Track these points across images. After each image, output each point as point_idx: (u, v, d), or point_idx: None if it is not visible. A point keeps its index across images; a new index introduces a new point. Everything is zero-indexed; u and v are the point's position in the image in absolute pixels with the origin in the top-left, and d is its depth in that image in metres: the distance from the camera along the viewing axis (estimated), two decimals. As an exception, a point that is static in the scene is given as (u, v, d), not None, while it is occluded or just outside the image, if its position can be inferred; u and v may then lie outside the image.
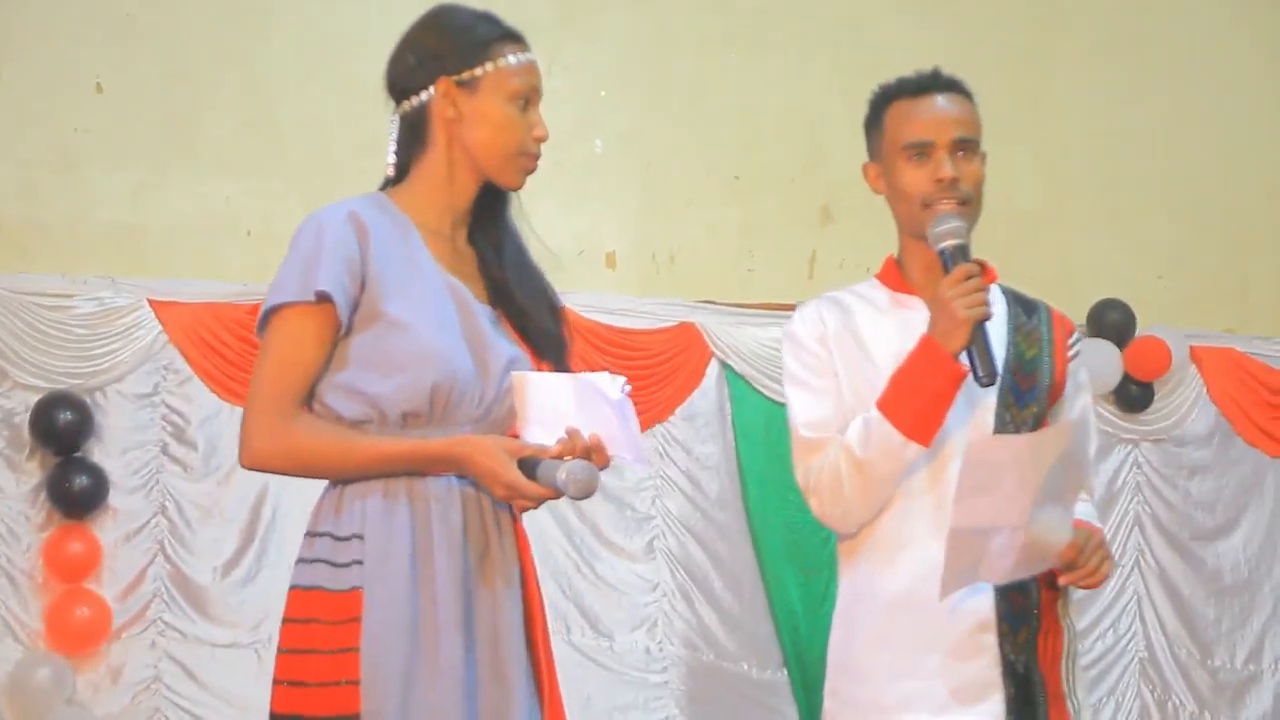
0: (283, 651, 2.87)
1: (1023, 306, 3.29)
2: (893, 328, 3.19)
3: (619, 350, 6.90)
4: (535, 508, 2.87)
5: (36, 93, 6.68)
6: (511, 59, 2.99)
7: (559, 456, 2.80)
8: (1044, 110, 7.63)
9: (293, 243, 2.92)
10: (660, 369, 6.96)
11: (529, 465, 2.81)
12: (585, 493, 2.77)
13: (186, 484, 6.50)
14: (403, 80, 3.01)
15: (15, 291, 6.44)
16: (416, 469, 2.86)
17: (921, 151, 3.17)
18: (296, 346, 2.87)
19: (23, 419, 6.40)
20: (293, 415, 2.86)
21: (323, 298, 2.85)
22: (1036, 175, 7.50)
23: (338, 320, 2.87)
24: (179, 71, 6.79)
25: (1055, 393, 3.23)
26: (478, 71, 2.97)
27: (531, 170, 3.02)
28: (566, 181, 6.99)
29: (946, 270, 3.11)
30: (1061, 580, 3.09)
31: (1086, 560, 3.06)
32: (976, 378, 3.06)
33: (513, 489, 2.80)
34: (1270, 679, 7.49)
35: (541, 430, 2.85)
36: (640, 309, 6.98)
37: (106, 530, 6.45)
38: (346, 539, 2.85)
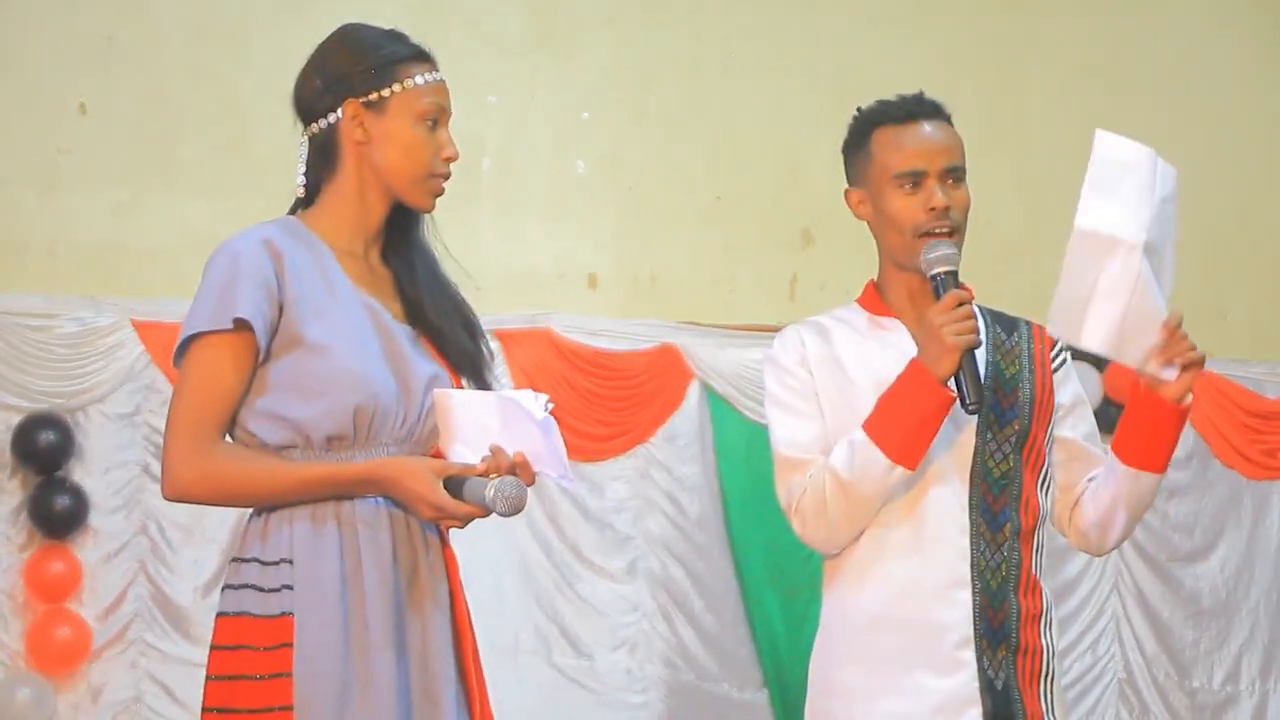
0: (211, 679, 2.85)
1: (1002, 325, 3.30)
2: (872, 350, 3.21)
3: (600, 371, 6.93)
4: (462, 527, 2.85)
5: (18, 113, 6.69)
6: (419, 79, 2.95)
7: (485, 474, 2.78)
8: (1023, 133, 7.66)
9: (207, 271, 2.90)
10: (641, 390, 6.98)
11: (454, 484, 2.79)
12: (514, 509, 2.76)
13: (167, 504, 6.43)
14: (310, 102, 2.99)
15: (-2, 311, 6.47)
16: (342, 492, 2.84)
17: (914, 181, 3.18)
18: (215, 375, 2.84)
19: (4, 439, 6.41)
20: (213, 444, 2.84)
21: (241, 324, 2.83)
22: (1016, 198, 7.52)
23: (256, 347, 2.84)
24: (160, 93, 6.81)
25: (1041, 407, 3.23)
26: (385, 93, 2.94)
27: (440, 192, 2.99)
28: (548, 203, 7.02)
29: (937, 296, 3.12)
30: (1159, 358, 3.04)
31: (1183, 338, 3.03)
32: (964, 404, 3.08)
33: (440, 509, 2.78)
34: (1248, 700, 7.51)
35: (465, 448, 2.84)
36: (622, 330, 7.00)
37: (87, 550, 6.45)
38: (274, 564, 2.84)
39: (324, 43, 3.02)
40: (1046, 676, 3.18)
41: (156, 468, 6.51)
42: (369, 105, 2.94)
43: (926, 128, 3.21)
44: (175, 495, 2.87)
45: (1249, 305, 7.78)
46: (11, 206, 6.66)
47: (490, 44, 7.01)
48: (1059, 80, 7.72)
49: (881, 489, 3.10)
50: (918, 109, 3.23)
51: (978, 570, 3.14)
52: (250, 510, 2.91)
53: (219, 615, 2.87)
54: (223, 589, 2.90)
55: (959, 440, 3.16)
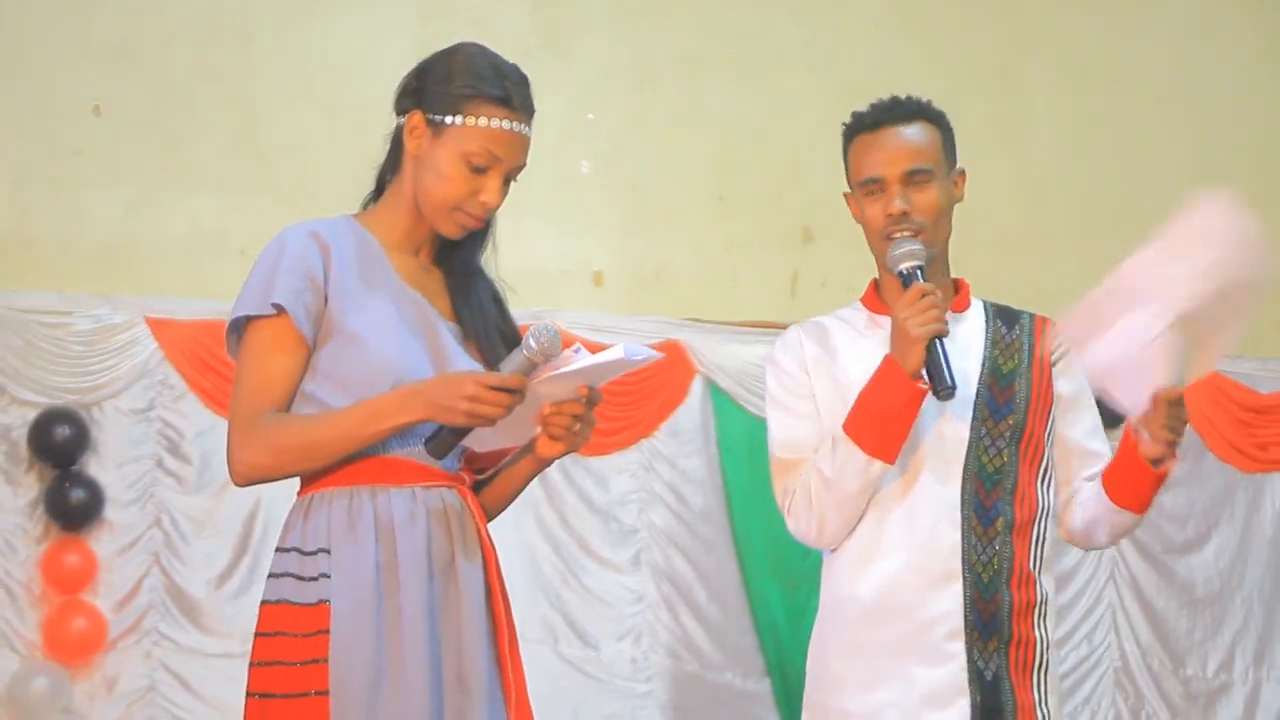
0: (254, 665, 2.90)
1: (1004, 319, 3.32)
2: (869, 348, 3.24)
3: (605, 367, 6.96)
4: (505, 413, 2.82)
5: (32, 113, 6.74)
6: (484, 121, 2.96)
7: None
8: (1019, 132, 7.69)
9: (256, 262, 2.96)
10: (646, 385, 6.99)
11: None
12: (551, 343, 2.78)
13: (181, 497, 6.54)
14: (398, 96, 3.05)
15: (13, 309, 6.51)
16: (389, 425, 2.86)
17: (875, 186, 3.22)
18: (264, 360, 2.91)
19: (21, 434, 6.46)
20: (265, 420, 2.89)
21: (279, 310, 2.89)
22: (1012, 196, 7.55)
23: (299, 332, 2.90)
24: (172, 93, 6.85)
25: (1039, 401, 3.26)
26: (447, 119, 2.95)
27: (470, 226, 3.00)
28: (553, 201, 7.05)
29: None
30: (1140, 420, 3.10)
31: (1162, 417, 3.08)
32: (935, 393, 3.11)
33: (477, 382, 2.78)
34: (1241, 688, 7.56)
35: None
36: (626, 327, 6.99)
37: (103, 543, 6.51)
38: (313, 553, 2.89)
39: (441, 50, 3.06)
40: (1040, 667, 3.21)
41: (170, 462, 6.58)
42: (430, 124, 2.97)
43: (892, 133, 3.22)
44: (243, 479, 2.92)
45: (1243, 301, 7.82)
46: (25, 205, 6.72)
47: (493, 43, 7.02)
48: (1059, 80, 7.75)
49: (863, 484, 3.15)
50: (886, 115, 3.24)
51: (968, 564, 3.17)
52: (293, 499, 2.98)
53: (262, 603, 2.93)
54: (267, 577, 2.95)
55: (952, 435, 3.19)
